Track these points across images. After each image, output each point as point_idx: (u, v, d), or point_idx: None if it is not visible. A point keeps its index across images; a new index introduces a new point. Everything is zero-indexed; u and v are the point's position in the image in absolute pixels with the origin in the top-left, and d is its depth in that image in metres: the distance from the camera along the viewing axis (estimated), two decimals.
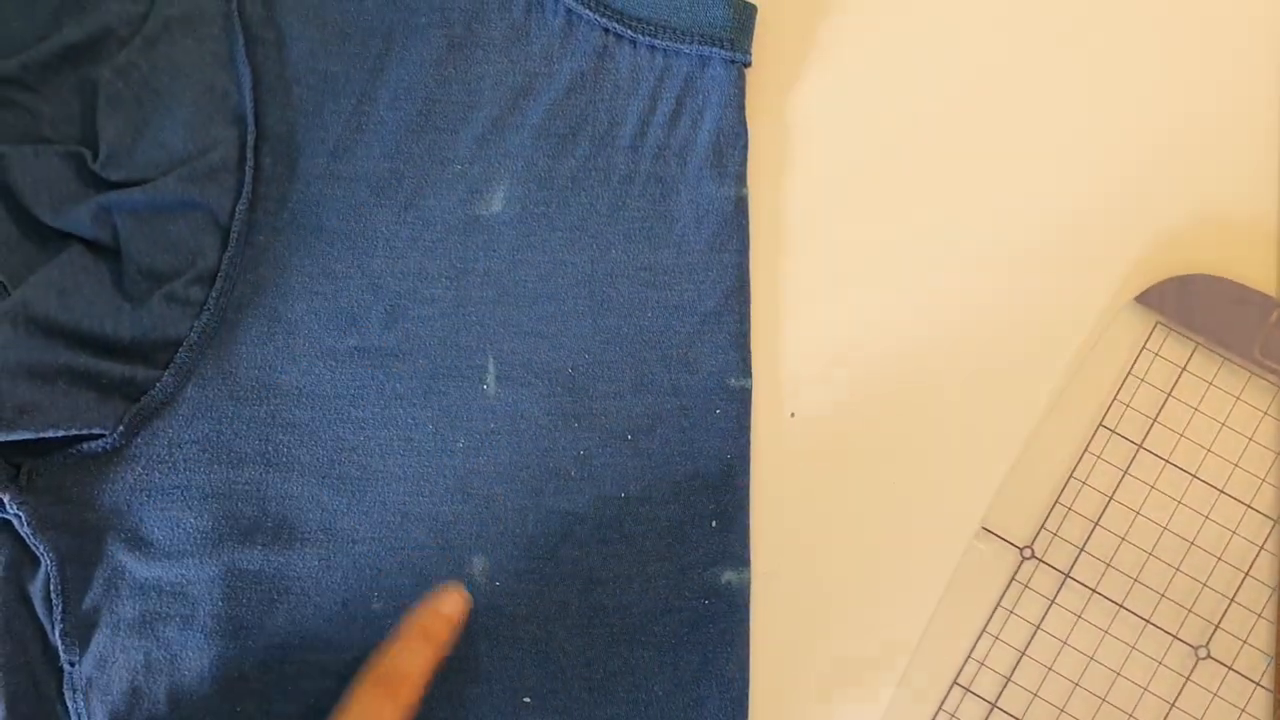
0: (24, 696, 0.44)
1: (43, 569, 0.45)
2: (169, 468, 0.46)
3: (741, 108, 0.48)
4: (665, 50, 0.48)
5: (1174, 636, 0.47)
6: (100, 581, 0.45)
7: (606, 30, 0.48)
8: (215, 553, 0.45)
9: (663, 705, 0.46)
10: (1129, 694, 0.47)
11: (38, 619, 0.45)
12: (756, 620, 0.47)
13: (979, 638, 0.47)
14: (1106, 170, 0.50)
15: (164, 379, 0.45)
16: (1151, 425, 0.48)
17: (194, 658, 0.45)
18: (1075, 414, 0.48)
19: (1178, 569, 0.48)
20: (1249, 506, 0.48)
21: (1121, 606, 0.47)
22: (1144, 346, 0.49)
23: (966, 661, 0.47)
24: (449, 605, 0.44)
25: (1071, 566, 0.48)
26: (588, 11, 0.48)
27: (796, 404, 0.49)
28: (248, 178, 0.46)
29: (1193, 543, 0.48)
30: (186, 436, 0.46)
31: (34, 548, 0.44)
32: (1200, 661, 0.47)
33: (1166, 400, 0.48)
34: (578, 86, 0.48)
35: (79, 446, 0.45)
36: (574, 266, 0.48)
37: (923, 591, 0.48)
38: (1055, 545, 0.48)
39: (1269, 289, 0.48)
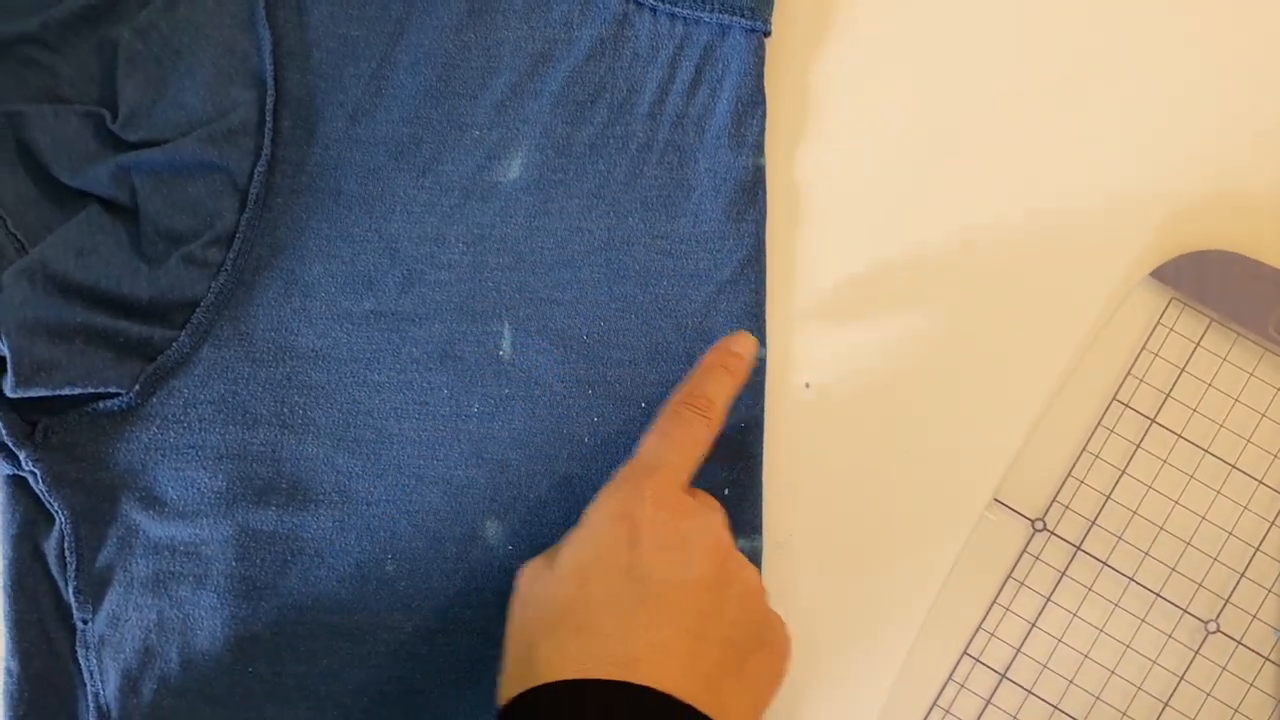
0: (37, 654, 0.44)
1: (57, 527, 0.45)
2: (184, 427, 0.46)
3: (760, 77, 0.48)
4: (685, 18, 0.48)
5: (1184, 610, 0.48)
6: (114, 540, 0.45)
7: None
8: (229, 513, 0.45)
9: None
10: (1138, 667, 0.47)
11: (51, 577, 0.45)
12: (769, 588, 0.47)
13: (989, 608, 0.48)
14: (1123, 146, 0.50)
15: (180, 339, 0.45)
16: (1165, 400, 0.48)
17: (207, 617, 0.45)
18: (1089, 388, 0.48)
19: (1188, 543, 0.48)
20: (1260, 482, 0.48)
21: (1132, 580, 0.48)
22: (1158, 322, 0.49)
23: (977, 632, 0.47)
24: (740, 345, 0.45)
25: (1083, 539, 0.48)
26: None
27: (811, 374, 0.49)
28: (267, 140, 0.46)
29: (1204, 517, 0.48)
30: (202, 396, 0.46)
31: (48, 505, 0.45)
32: (1209, 636, 0.47)
33: (1180, 375, 0.48)
34: (597, 54, 0.48)
35: (95, 405, 0.45)
36: (591, 234, 0.48)
37: (934, 562, 0.48)
38: (1067, 518, 0.48)
39: None
